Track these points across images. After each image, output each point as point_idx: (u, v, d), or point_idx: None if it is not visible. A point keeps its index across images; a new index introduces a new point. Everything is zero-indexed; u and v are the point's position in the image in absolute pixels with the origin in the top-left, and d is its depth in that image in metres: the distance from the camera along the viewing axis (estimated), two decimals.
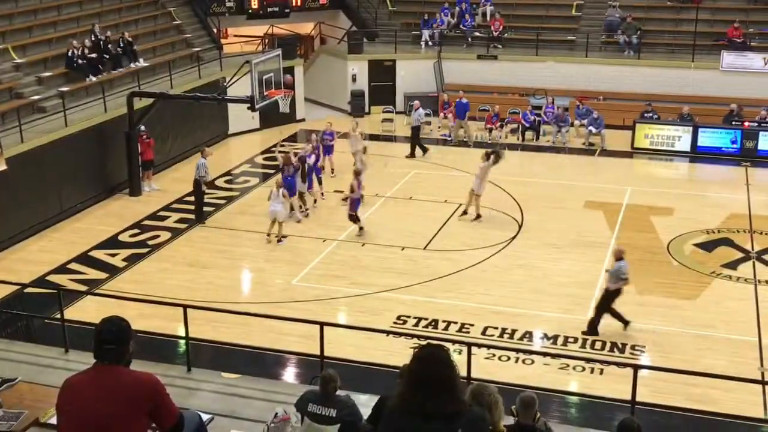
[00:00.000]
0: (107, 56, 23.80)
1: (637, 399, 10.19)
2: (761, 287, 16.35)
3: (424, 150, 25.27)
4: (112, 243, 18.96)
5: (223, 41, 30.36)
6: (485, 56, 30.15)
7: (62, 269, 17.48)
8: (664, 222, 19.76)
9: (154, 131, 22.61)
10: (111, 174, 21.86)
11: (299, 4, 31.99)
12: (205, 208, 20.24)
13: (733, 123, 25.37)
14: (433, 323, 14.90)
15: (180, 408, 5.44)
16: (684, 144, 25.36)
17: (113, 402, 5.00)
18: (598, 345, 14.10)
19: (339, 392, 8.15)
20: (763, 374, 13.15)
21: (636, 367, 11.00)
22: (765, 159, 24.63)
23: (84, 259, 18.09)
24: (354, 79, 30.58)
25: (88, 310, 14.16)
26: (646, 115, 26.06)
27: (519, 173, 23.98)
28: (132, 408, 5.04)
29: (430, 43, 31.00)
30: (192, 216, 20.10)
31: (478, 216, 19.69)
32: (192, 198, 20.28)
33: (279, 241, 18.62)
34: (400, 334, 14.30)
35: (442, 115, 28.25)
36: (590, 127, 26.20)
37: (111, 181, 21.91)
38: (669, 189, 22.44)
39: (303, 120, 29.65)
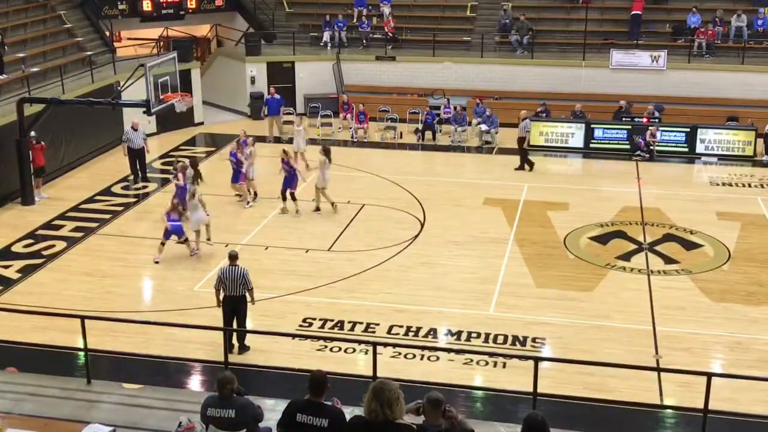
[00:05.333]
0: None
1: (539, 390, 10.46)
2: (654, 277, 16.95)
3: (531, 165, 24.08)
4: (4, 254, 18.27)
5: (116, 44, 29.65)
6: (383, 57, 30.36)
7: None
8: (560, 217, 20.29)
9: (46, 138, 21.91)
10: (1, 183, 21.09)
11: (194, 6, 31.53)
12: (101, 215, 19.66)
13: (623, 119, 26.26)
14: (338, 324, 14.91)
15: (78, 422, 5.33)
16: (577, 140, 26.11)
17: None
18: (500, 339, 14.38)
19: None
20: (657, 361, 13.63)
21: (536, 360, 11.29)
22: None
23: None
24: (253, 82, 30.34)
25: None
26: (540, 113, 26.69)
27: (419, 173, 24.30)
28: None
29: (332, 44, 31.00)
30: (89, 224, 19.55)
31: (318, 209, 20.50)
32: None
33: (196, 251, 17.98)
34: (306, 337, 14.27)
35: (342, 116, 28.31)
36: (482, 125, 26.66)
37: (2, 190, 21.13)
38: (564, 184, 23.04)
39: (201, 123, 29.27)
